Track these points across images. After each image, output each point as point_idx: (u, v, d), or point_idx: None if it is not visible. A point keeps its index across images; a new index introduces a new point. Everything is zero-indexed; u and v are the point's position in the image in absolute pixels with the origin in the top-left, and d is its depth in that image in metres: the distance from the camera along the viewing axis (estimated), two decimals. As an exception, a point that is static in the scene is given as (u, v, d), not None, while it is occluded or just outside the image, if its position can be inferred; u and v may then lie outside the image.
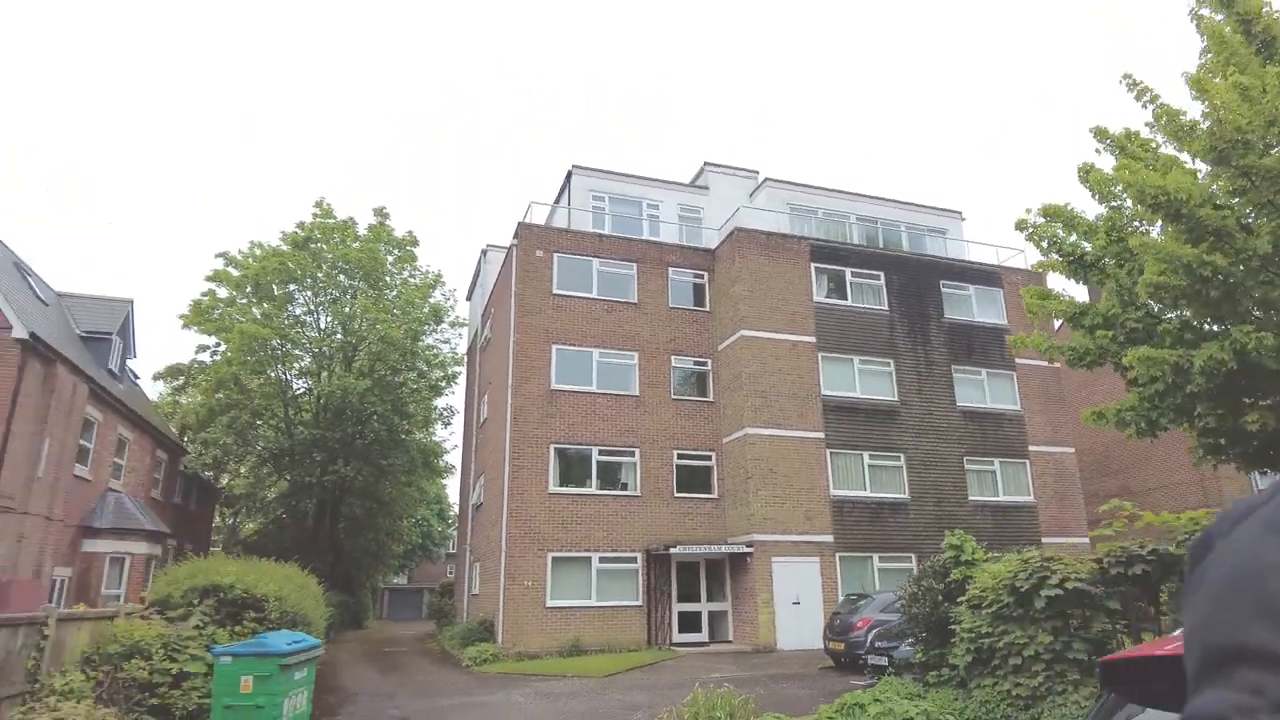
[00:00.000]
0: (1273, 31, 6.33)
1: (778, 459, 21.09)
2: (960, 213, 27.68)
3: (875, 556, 21.14)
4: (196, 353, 33.22)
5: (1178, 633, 1.43)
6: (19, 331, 16.98)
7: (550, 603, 19.45)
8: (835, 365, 22.59)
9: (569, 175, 24.61)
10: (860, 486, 21.85)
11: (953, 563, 11.24)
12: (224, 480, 34.80)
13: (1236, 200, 5.80)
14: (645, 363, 22.41)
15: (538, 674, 15.65)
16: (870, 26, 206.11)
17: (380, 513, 35.55)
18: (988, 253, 26.48)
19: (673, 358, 22.78)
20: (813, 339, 22.51)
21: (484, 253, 30.33)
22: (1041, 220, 8.18)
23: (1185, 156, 6.70)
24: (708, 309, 23.66)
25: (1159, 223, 6.21)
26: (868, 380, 22.82)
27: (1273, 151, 5.43)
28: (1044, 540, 20.89)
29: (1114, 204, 7.13)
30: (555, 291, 22.18)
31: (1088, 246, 7.25)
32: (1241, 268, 5.65)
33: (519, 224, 22.70)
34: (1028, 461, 23.81)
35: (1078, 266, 7.26)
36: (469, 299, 35.13)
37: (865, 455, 22.08)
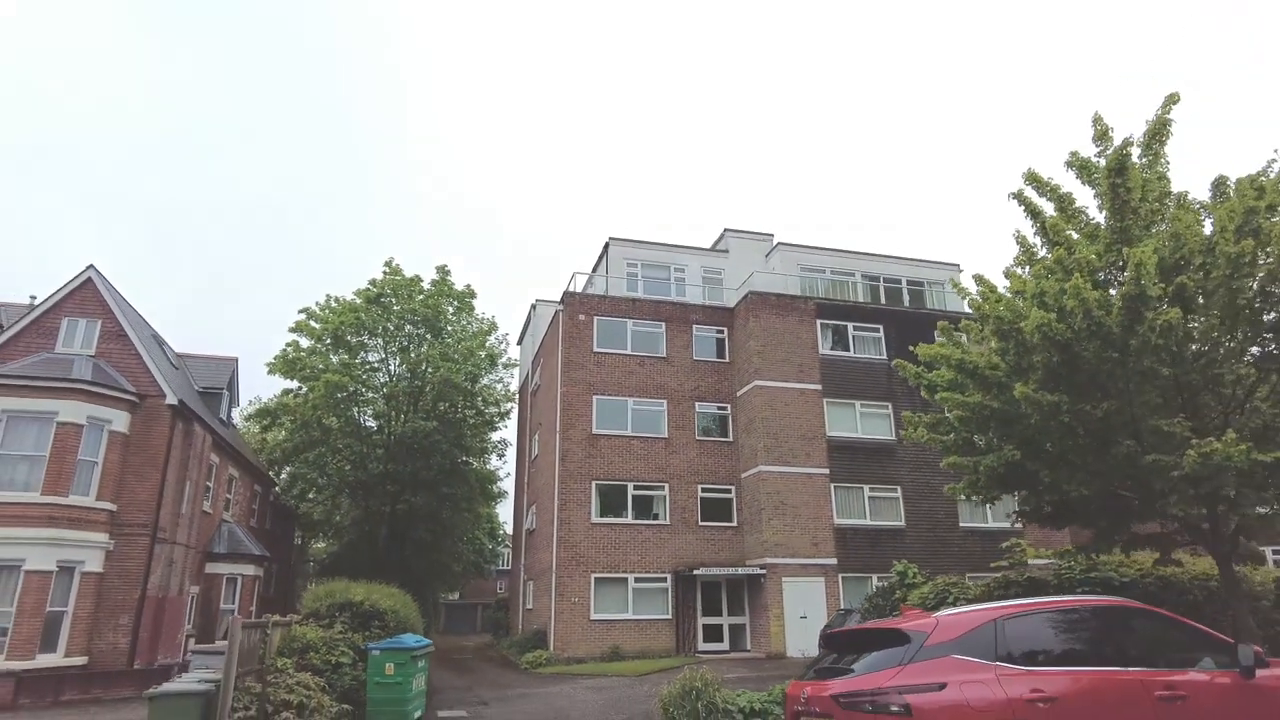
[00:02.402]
0: (1058, 234, 9.76)
1: (788, 492, 24.52)
2: (958, 265, 30.86)
3: (874, 576, 24.33)
4: (281, 395, 37.82)
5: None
6: (170, 399, 21.28)
7: (594, 616, 23.14)
8: (839, 409, 25.96)
9: (606, 246, 28.51)
10: (861, 516, 25.15)
11: (899, 584, 14.61)
12: (303, 507, 39.19)
13: (1004, 363, 9.25)
14: (673, 409, 26.07)
15: (584, 674, 19.30)
16: (885, 85, 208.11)
17: (442, 535, 39.56)
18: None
19: (697, 404, 26.41)
20: (819, 386, 25.93)
21: (534, 306, 34.42)
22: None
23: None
24: (728, 360, 27.26)
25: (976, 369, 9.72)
26: (868, 422, 26.11)
27: (1022, 325, 8.86)
28: (1030, 561, 23.92)
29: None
30: (595, 350, 25.99)
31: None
32: (1008, 408, 9.08)
33: (565, 293, 26.64)
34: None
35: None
36: (519, 344, 39.30)
37: (866, 489, 25.38)
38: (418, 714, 12.06)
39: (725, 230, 30.49)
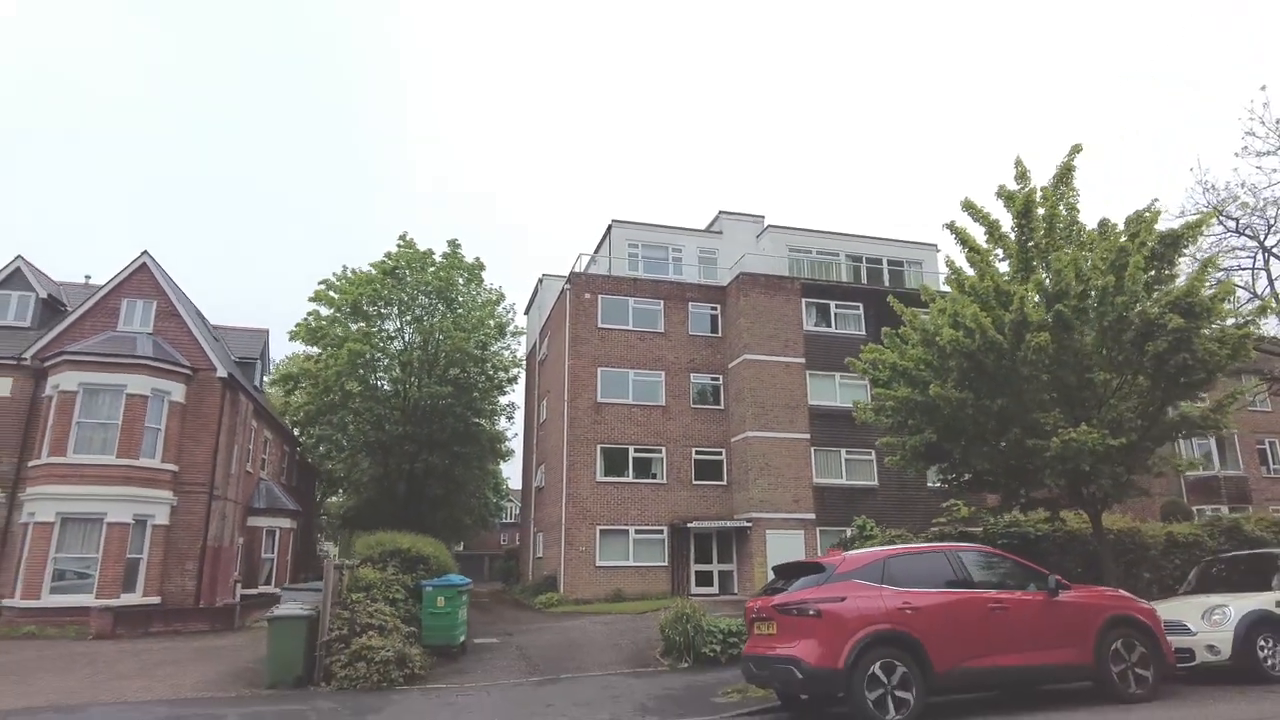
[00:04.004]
0: (976, 262, 12.28)
1: (773, 455, 27.31)
2: (936, 245, 33.29)
3: (848, 530, 27.19)
4: (303, 360, 40.39)
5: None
6: (220, 372, 23.87)
7: (599, 563, 26.09)
8: (820, 381, 28.63)
9: (609, 228, 30.88)
10: (838, 476, 28.00)
11: (858, 535, 17.40)
12: (326, 465, 42.05)
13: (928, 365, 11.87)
14: (670, 380, 28.73)
15: (591, 612, 22.25)
16: (874, 67, 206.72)
17: (455, 491, 42.52)
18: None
19: (692, 375, 29.07)
20: (802, 360, 28.56)
21: (540, 280, 36.91)
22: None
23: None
24: (720, 335, 29.84)
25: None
26: (846, 391, 28.72)
27: (939, 341, 11.43)
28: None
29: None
30: (600, 325, 28.54)
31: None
32: (928, 400, 11.68)
33: (571, 273, 29.10)
34: (979, 455, 29.67)
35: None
36: (526, 313, 41.82)
37: (843, 451, 28.18)
38: (461, 638, 14.90)
39: (720, 212, 32.83)
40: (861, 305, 29.78)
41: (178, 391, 22.87)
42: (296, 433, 39.06)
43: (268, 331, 32.63)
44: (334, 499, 53.06)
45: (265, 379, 33.92)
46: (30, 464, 21.25)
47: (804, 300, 29.33)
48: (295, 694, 11.10)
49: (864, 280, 31.64)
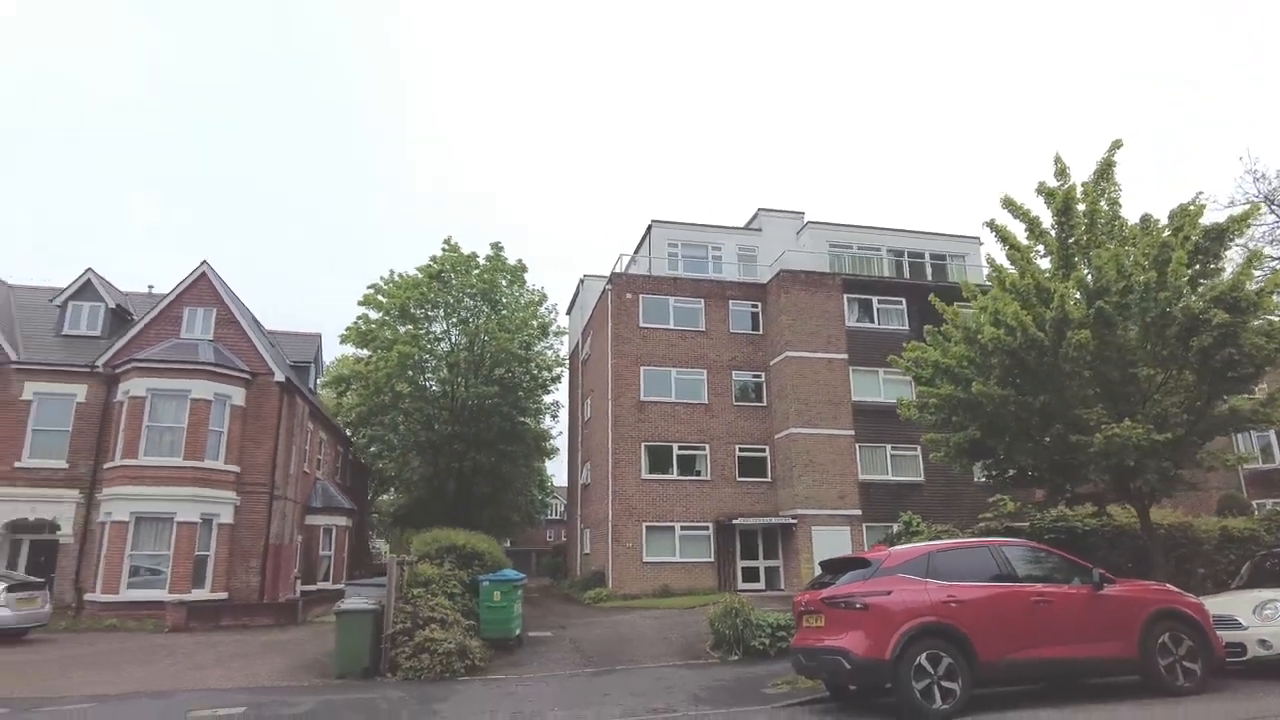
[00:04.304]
0: (1017, 260, 12.38)
1: (816, 451, 27.46)
2: (978, 238, 33.00)
3: (894, 525, 27.25)
4: (355, 364, 41.52)
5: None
6: (278, 376, 24.81)
7: (646, 559, 26.53)
8: (864, 376, 28.67)
9: (649, 229, 31.24)
10: (884, 472, 28.02)
11: (904, 531, 17.53)
12: (378, 465, 43.18)
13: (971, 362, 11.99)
14: (712, 377, 29.03)
15: (640, 607, 22.69)
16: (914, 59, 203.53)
17: (502, 489, 43.33)
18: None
19: (733, 373, 29.33)
20: (845, 356, 28.63)
21: (582, 280, 37.43)
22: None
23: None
24: (761, 332, 30.03)
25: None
26: (891, 387, 28.69)
27: (981, 339, 11.57)
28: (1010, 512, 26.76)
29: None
30: (641, 325, 28.95)
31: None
32: (971, 398, 11.79)
33: (612, 273, 29.55)
34: (1026, 449, 29.44)
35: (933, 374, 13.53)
36: (568, 313, 42.41)
37: (888, 447, 28.19)
38: (517, 631, 15.44)
39: (759, 209, 32.98)
40: (904, 300, 29.72)
41: (238, 395, 23.83)
42: (349, 433, 40.19)
43: (320, 336, 33.74)
44: (385, 497, 54.39)
45: (318, 381, 35.03)
46: (105, 466, 22.41)
47: (846, 296, 29.38)
48: (364, 684, 11.70)
49: (906, 275, 31.56)
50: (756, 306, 30.28)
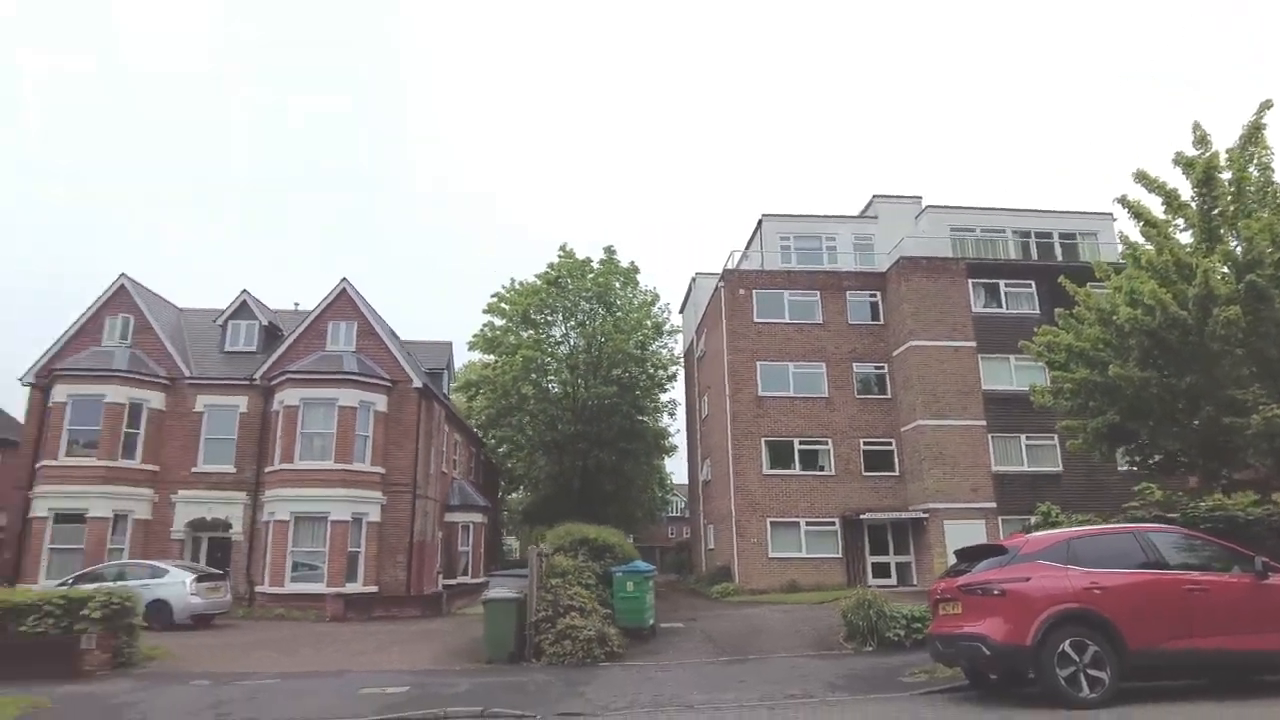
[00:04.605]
0: (1152, 236, 11.74)
1: (946, 443, 26.71)
2: (1111, 214, 31.09)
3: (1032, 518, 26.11)
4: (483, 369, 43.44)
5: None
6: (416, 383, 26.39)
7: (771, 554, 26.58)
8: (993, 364, 27.62)
9: (760, 223, 31.23)
10: (1019, 463, 26.92)
11: (1043, 523, 16.86)
12: (509, 464, 45.02)
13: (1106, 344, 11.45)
14: (831, 370, 28.72)
15: (768, 602, 22.80)
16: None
17: (625, 486, 44.26)
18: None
19: (854, 365, 28.90)
20: (973, 343, 27.68)
21: (694, 279, 37.78)
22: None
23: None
24: (882, 322, 29.44)
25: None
26: (1023, 374, 27.45)
27: (1117, 320, 11.05)
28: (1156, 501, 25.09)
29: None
30: (756, 320, 28.98)
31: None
32: (1109, 381, 11.27)
33: (724, 270, 29.72)
34: (1177, 435, 27.59)
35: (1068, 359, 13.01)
36: (681, 312, 42.85)
37: (1023, 437, 27.05)
38: (650, 621, 15.96)
39: (874, 196, 32.33)
40: (1033, 283, 28.44)
41: (381, 402, 25.50)
42: (480, 435, 42.11)
43: (451, 343, 35.55)
44: (514, 495, 56.57)
45: (451, 386, 36.93)
46: (266, 469, 24.52)
47: (970, 281, 28.41)
48: (511, 668, 12.48)
49: (1034, 256, 30.18)
50: (875, 296, 29.72)
